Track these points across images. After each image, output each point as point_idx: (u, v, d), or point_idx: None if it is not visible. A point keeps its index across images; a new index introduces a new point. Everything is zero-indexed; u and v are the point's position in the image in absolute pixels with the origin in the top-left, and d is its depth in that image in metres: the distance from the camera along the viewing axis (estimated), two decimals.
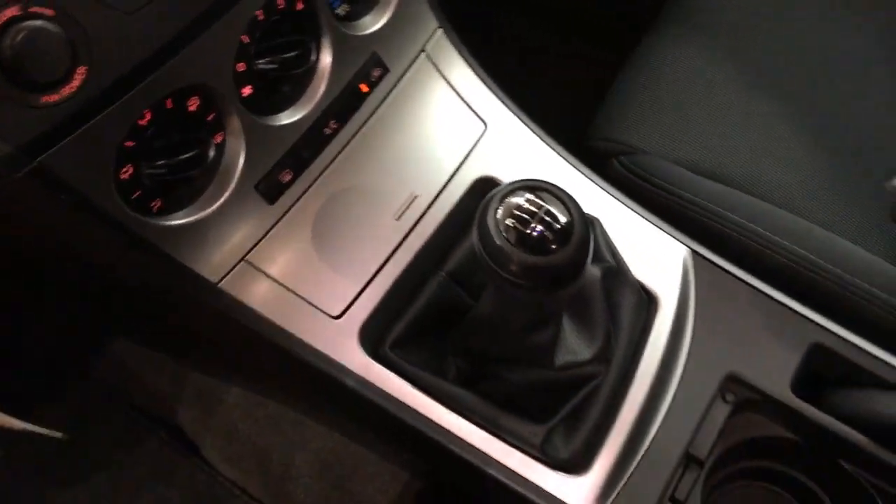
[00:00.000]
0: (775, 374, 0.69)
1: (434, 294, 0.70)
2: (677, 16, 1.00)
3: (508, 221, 0.50)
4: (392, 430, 0.67)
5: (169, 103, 0.58)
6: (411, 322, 0.69)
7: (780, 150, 0.88)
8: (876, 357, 0.70)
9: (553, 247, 0.50)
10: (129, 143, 0.57)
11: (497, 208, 0.51)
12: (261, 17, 0.63)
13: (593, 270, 0.66)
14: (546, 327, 0.60)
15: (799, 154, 0.88)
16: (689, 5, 1.00)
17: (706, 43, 0.96)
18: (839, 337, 0.71)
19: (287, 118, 0.67)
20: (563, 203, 0.51)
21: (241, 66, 0.62)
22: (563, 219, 0.51)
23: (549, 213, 0.50)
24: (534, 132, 0.79)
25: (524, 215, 0.50)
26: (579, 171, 0.78)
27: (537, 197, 0.51)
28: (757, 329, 0.71)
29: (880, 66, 0.94)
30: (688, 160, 0.87)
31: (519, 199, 0.51)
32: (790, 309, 0.72)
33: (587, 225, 0.51)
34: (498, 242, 0.50)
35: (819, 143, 0.89)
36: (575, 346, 0.64)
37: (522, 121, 0.79)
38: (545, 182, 0.52)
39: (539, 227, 0.50)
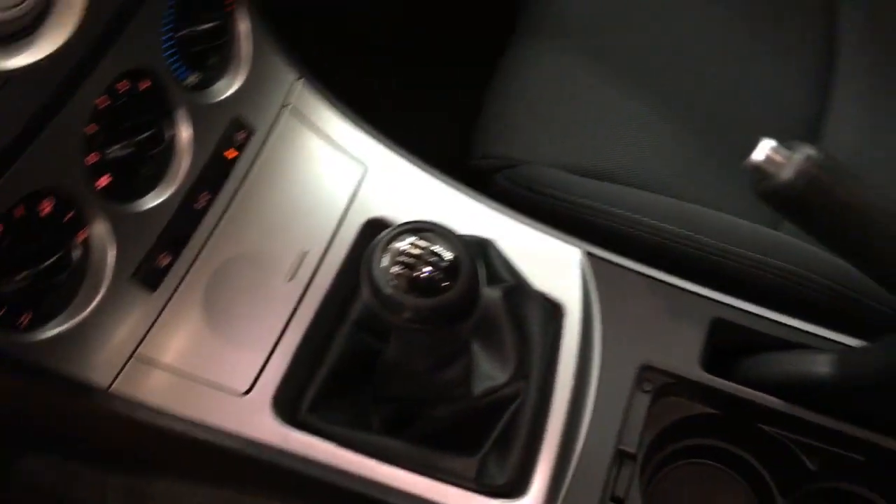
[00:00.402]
0: (684, 356, 0.71)
1: (343, 347, 0.68)
2: (534, 26, 1.03)
3: (395, 269, 0.50)
4: (325, 496, 0.65)
5: (20, 211, 0.55)
6: (325, 381, 0.67)
7: (653, 139, 0.92)
8: (772, 320, 0.73)
9: (444, 285, 0.50)
10: None
11: (381, 257, 0.50)
12: (104, 104, 0.60)
13: (493, 293, 0.66)
14: (455, 361, 0.60)
15: (671, 141, 0.91)
16: (542, 14, 1.03)
17: (566, 47, 0.99)
18: (736, 308, 0.74)
19: (154, 200, 0.65)
20: (447, 239, 0.51)
21: (92, 158, 0.59)
22: (448, 255, 0.50)
23: (434, 252, 0.50)
24: (414, 164, 0.79)
25: (410, 259, 0.50)
26: (465, 194, 0.78)
27: (420, 238, 0.51)
28: (660, 316, 0.73)
29: (733, 48, 0.99)
30: (568, 163, 0.89)
31: (402, 244, 0.50)
32: (687, 291, 0.75)
33: (473, 258, 0.51)
34: (388, 292, 0.49)
35: (688, 127, 0.93)
36: (490, 372, 0.64)
37: (401, 155, 0.79)
38: (425, 222, 0.52)
39: (427, 269, 0.50)
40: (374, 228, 0.74)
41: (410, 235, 0.51)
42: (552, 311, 0.72)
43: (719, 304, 0.74)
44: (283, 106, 0.76)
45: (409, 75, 1.31)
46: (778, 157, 0.53)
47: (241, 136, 0.71)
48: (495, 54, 1.03)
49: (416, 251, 0.50)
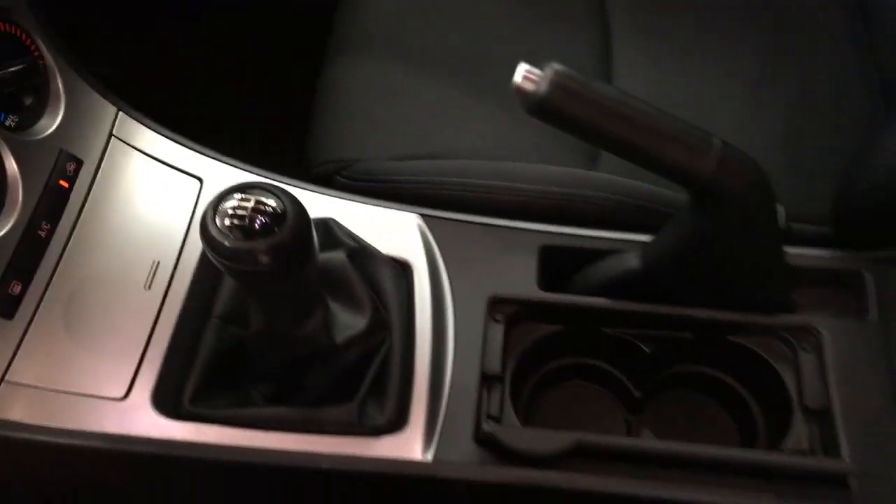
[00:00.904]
0: (524, 282, 0.80)
1: (214, 341, 0.72)
2: (344, 43, 1.13)
3: (228, 222, 0.55)
4: (219, 475, 0.67)
5: None
6: (202, 373, 0.70)
7: (465, 117, 1.02)
8: (589, 236, 0.83)
9: (277, 228, 0.56)
10: None
11: (214, 217, 0.55)
12: None
13: (338, 255, 0.73)
14: (313, 312, 0.65)
15: (482, 115, 1.02)
16: (349, 32, 1.13)
17: (374, 56, 1.09)
18: (556, 233, 0.83)
19: None
20: (271, 192, 0.57)
21: None
22: (275, 204, 0.56)
23: (262, 202, 0.56)
24: (250, 172, 0.85)
25: (241, 212, 0.55)
26: (300, 187, 0.84)
27: (246, 194, 0.56)
28: (497, 254, 0.82)
29: (521, 30, 1.12)
30: (395, 153, 0.98)
31: (230, 203, 0.56)
32: (514, 228, 0.84)
33: (296, 199, 0.57)
34: (228, 244, 0.55)
35: (494, 101, 1.03)
36: (349, 321, 0.69)
37: (235, 166, 0.85)
38: (248, 182, 0.58)
39: (259, 218, 0.56)
40: None
41: (237, 193, 0.56)
42: (400, 269, 0.79)
43: (545, 233, 0.84)
44: (111, 135, 0.80)
45: (235, 103, 1.39)
46: (532, 76, 0.63)
47: (71, 167, 0.74)
48: (311, 76, 1.11)
49: (246, 204, 0.56)
